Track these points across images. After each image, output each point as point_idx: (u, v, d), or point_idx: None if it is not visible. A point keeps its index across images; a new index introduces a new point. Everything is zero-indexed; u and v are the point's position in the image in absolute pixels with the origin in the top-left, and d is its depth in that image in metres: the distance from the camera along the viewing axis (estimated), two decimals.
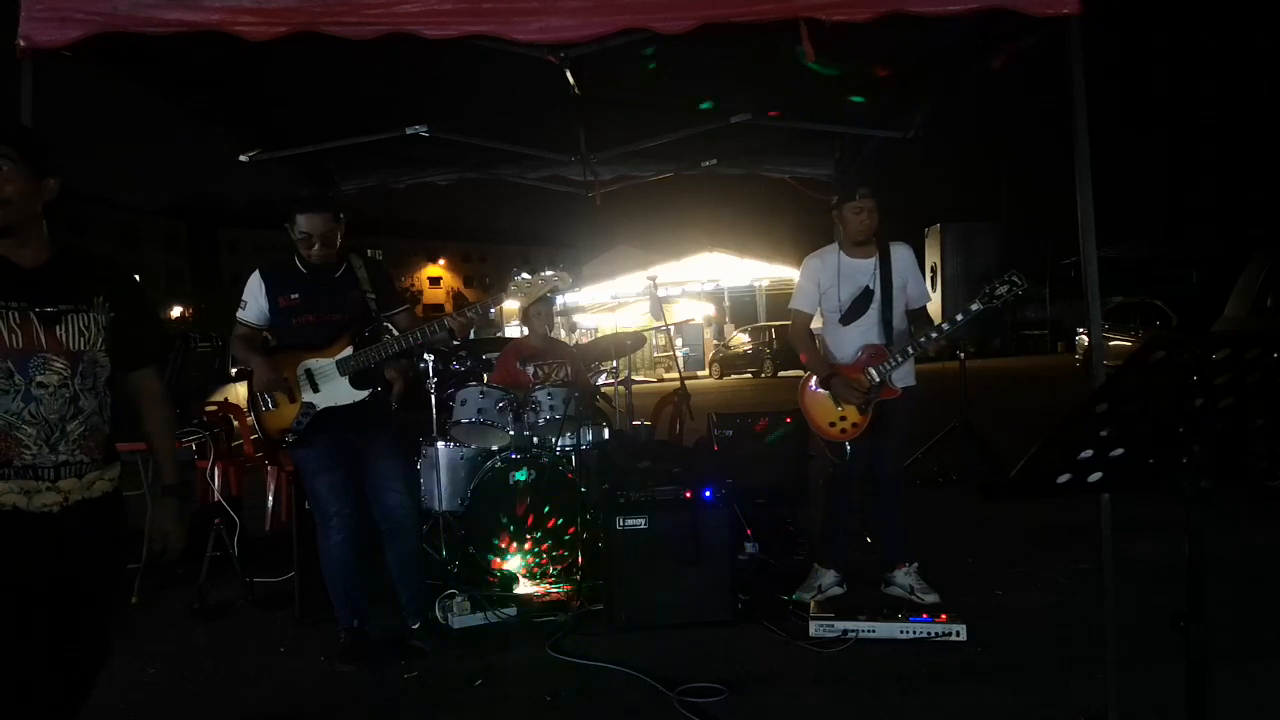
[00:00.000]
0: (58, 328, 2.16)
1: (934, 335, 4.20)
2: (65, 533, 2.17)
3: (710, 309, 30.74)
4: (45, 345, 2.15)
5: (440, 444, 4.94)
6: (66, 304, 2.19)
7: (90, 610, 2.30)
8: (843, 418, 4.25)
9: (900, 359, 4.18)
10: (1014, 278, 4.08)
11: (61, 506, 2.16)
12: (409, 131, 4.61)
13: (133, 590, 4.73)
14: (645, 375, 25.40)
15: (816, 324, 4.52)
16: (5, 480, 2.10)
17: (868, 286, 4.28)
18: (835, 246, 4.40)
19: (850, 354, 4.28)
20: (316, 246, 3.69)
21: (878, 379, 4.18)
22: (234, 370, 10.06)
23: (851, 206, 4.26)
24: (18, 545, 2.12)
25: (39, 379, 2.13)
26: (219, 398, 6.73)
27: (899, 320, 4.31)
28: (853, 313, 4.28)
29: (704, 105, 4.77)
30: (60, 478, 2.15)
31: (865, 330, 4.27)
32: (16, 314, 2.13)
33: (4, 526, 2.11)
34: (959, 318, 4.23)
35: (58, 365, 2.16)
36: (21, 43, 2.76)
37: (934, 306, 6.31)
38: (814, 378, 4.32)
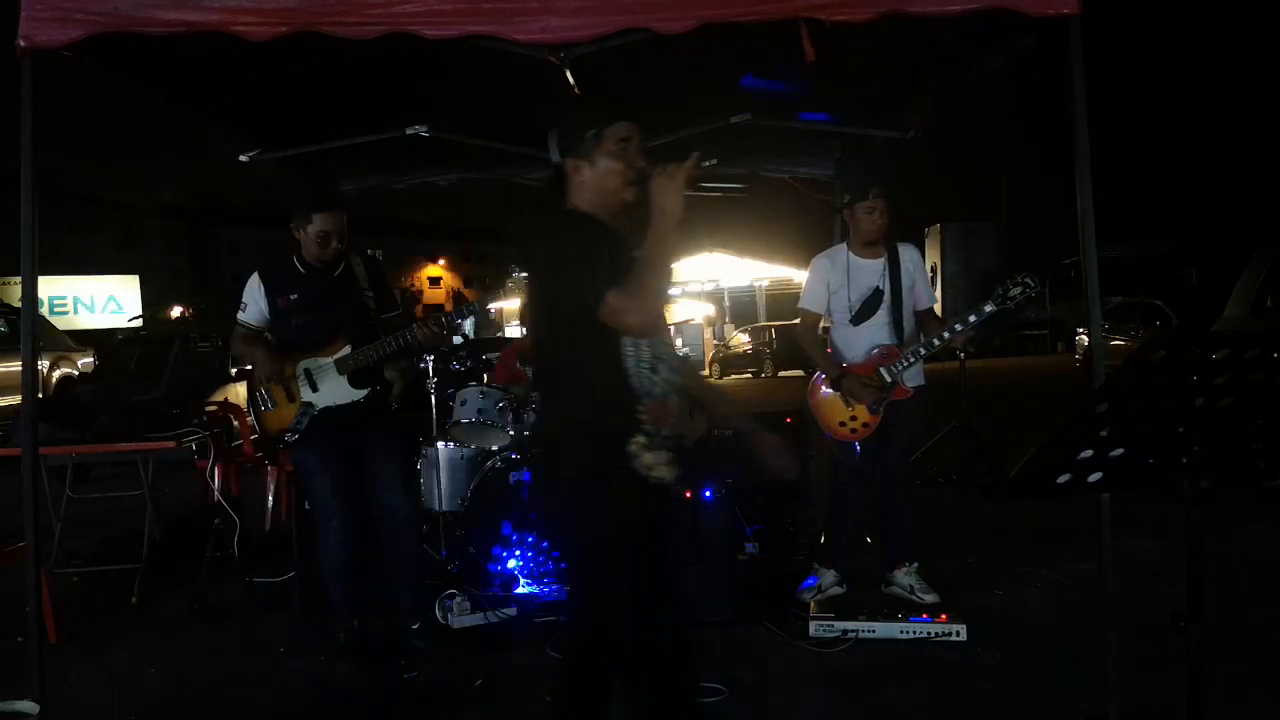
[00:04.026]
0: None
1: (946, 335, 4.19)
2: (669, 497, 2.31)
3: (710, 309, 30.75)
4: None
5: (440, 444, 4.93)
6: None
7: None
8: (853, 417, 4.24)
9: (912, 359, 4.18)
10: (1027, 279, 4.04)
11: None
12: (409, 131, 4.60)
13: (133, 590, 4.74)
14: None
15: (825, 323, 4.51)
16: (657, 450, 2.12)
17: (878, 287, 4.27)
18: (844, 246, 4.38)
19: (861, 354, 4.27)
20: (334, 243, 3.69)
21: (889, 379, 4.18)
22: (234, 370, 10.07)
23: (864, 206, 4.24)
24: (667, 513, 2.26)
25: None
26: (219, 398, 6.73)
27: (908, 321, 4.31)
28: (863, 313, 4.27)
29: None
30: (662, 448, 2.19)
31: (876, 331, 4.27)
32: None
33: (659, 496, 2.19)
34: (972, 319, 4.14)
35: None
36: (21, 43, 2.75)
37: (935, 307, 6.31)
38: (824, 378, 4.32)
